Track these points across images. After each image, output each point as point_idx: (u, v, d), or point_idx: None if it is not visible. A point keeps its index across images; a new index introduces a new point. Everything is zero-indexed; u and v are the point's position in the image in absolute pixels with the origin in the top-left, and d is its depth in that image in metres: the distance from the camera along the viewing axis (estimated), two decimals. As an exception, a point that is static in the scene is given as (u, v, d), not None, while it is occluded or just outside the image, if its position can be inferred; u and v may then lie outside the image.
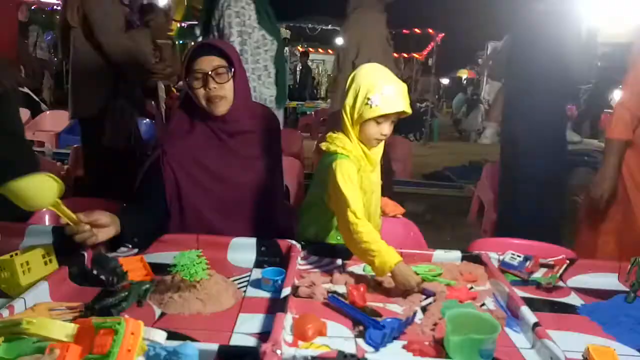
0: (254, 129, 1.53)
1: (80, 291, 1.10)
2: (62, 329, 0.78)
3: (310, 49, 11.89)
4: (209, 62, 1.41)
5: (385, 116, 1.30)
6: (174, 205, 1.47)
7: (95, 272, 1.14)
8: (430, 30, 9.11)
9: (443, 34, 9.27)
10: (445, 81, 17.74)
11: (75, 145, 3.25)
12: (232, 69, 1.44)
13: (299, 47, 11.90)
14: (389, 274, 1.17)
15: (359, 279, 1.23)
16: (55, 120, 5.06)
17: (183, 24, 9.56)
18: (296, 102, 9.46)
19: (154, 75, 2.37)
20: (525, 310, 1.04)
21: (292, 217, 1.71)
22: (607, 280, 1.31)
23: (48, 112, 5.27)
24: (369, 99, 1.28)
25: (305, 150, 4.73)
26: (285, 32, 10.73)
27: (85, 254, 1.20)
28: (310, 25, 10.29)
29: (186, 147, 1.47)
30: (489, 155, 6.19)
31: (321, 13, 10.46)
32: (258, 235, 1.40)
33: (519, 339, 1.00)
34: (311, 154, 4.72)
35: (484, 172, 3.79)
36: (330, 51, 11.92)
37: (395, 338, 0.97)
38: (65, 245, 1.19)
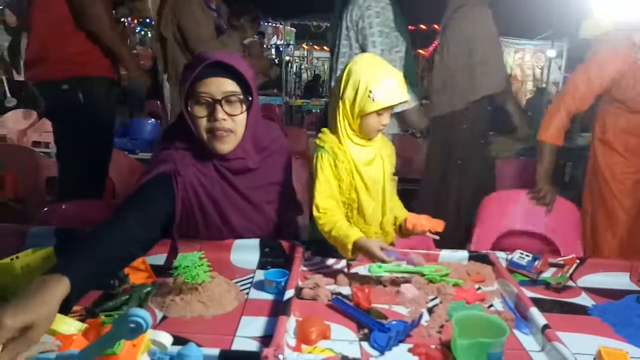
0: (262, 164, 1.31)
1: (81, 295, 1.08)
2: (71, 324, 0.79)
3: (316, 47, 11.86)
4: (219, 86, 1.14)
5: (386, 107, 1.29)
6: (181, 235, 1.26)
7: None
8: (436, 26, 9.04)
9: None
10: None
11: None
12: (249, 98, 1.19)
13: (304, 45, 11.88)
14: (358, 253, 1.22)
15: (363, 280, 1.21)
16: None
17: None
18: (302, 100, 9.42)
19: None
20: (534, 311, 1.01)
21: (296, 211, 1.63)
22: (619, 280, 1.28)
23: (54, 114, 5.28)
24: (370, 91, 1.26)
25: (311, 149, 4.70)
26: (289, 31, 10.70)
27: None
28: (315, 23, 10.24)
29: (195, 178, 1.24)
30: (495, 151, 6.12)
31: (325, 10, 10.41)
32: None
33: (528, 342, 0.98)
34: (316, 152, 4.69)
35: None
36: (325, 48, 11.87)
37: (400, 341, 0.94)
38: (67, 248, 1.18)
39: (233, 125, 1.18)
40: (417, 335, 0.97)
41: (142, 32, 10.60)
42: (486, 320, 0.92)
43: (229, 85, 1.16)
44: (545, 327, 0.95)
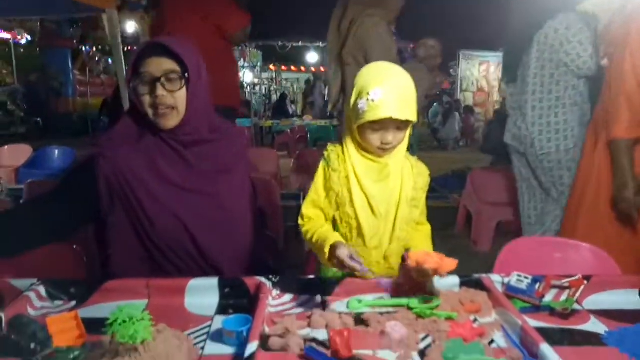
0: (214, 139, 1.31)
1: (-7, 365, 0.87)
2: None
3: (283, 67, 11.81)
4: (159, 65, 1.22)
5: (379, 123, 1.12)
6: (118, 221, 1.25)
7: (13, 337, 0.92)
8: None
9: (414, 45, 9.26)
10: (419, 92, 17.82)
11: (29, 181, 2.98)
12: (186, 75, 1.23)
13: (271, 67, 11.82)
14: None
15: (342, 320, 1.02)
16: (14, 155, 4.78)
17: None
18: (271, 121, 9.29)
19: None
20: (545, 349, 0.85)
21: (270, 247, 1.51)
22: (628, 299, 1.13)
23: (7, 147, 4.97)
24: (357, 103, 1.12)
25: (282, 170, 4.53)
26: (256, 53, 10.63)
27: (2, 316, 0.97)
28: (280, 43, 10.19)
29: (134, 153, 1.25)
30: (471, 163, 6.11)
31: (297, 32, 10.35)
32: (220, 270, 1.23)
33: (543, 387, 0.81)
34: (288, 173, 4.53)
35: (469, 180, 3.66)
36: (302, 69, 11.82)
37: (390, 400, 0.77)
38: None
39: (174, 101, 1.22)
40: (409, 389, 0.80)
41: (103, 60, 10.40)
42: (493, 367, 0.76)
43: (168, 64, 1.22)
44: (563, 368, 0.79)
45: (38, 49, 11.34)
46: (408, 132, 1.19)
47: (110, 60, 10.95)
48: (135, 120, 1.28)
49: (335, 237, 1.12)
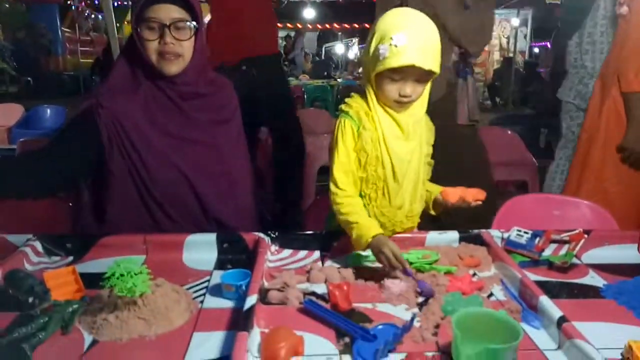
0: (210, 93, 1.29)
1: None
2: None
3: (279, 24, 11.43)
4: (168, 12, 1.19)
5: (400, 72, 1.04)
6: (116, 172, 1.21)
7: (10, 291, 0.92)
8: None
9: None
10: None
11: (21, 139, 2.92)
12: (195, 25, 1.21)
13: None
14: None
15: (341, 274, 1.02)
16: (6, 114, 4.68)
17: None
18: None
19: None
20: (545, 301, 0.85)
21: (267, 205, 1.51)
22: (627, 253, 1.14)
23: (-2, 106, 4.87)
24: (378, 49, 1.04)
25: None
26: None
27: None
28: (276, -1, 9.86)
29: (132, 104, 1.21)
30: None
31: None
32: (220, 224, 1.23)
33: (541, 338, 0.82)
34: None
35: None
36: (299, 25, 11.44)
37: (390, 351, 0.77)
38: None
39: (181, 49, 1.21)
40: (409, 340, 0.80)
41: (93, 16, 10.01)
42: (493, 318, 0.76)
43: (176, 12, 1.19)
44: (562, 320, 0.79)
45: (24, 4, 10.93)
46: (428, 87, 1.11)
47: (100, 17, 10.60)
48: (131, 68, 1.24)
49: (377, 227, 1.05)
